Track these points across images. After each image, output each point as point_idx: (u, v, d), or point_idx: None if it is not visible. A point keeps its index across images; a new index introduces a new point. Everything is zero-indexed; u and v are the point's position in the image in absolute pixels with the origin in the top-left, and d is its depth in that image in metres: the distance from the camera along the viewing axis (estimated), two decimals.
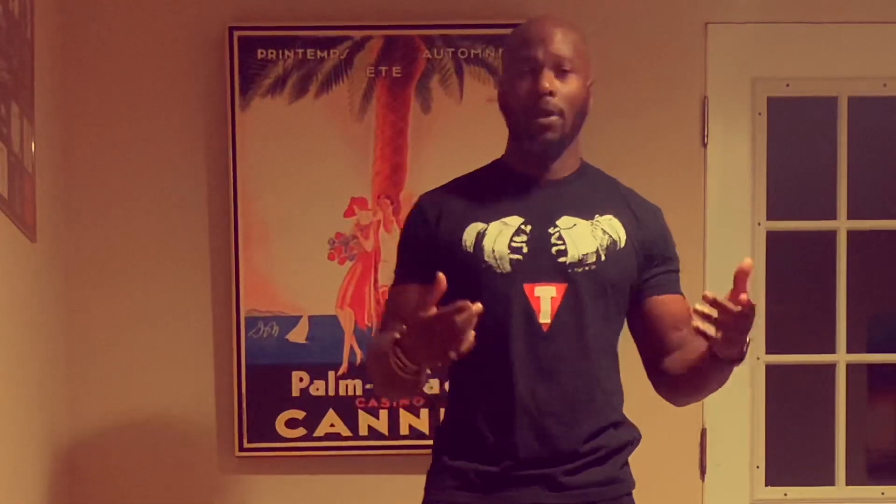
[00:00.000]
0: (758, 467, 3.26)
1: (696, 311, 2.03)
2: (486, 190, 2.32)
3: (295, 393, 3.13)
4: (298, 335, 3.13)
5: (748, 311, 2.02)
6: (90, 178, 3.14)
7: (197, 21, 3.14)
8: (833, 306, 3.28)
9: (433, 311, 2.02)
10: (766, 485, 3.27)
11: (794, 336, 3.33)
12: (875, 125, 3.76)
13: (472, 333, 2.02)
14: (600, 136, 3.19)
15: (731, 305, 2.00)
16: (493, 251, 2.24)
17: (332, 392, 3.13)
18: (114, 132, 3.14)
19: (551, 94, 2.21)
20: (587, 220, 2.29)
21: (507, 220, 2.27)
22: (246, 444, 3.14)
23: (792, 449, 3.57)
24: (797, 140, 3.84)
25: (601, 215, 2.30)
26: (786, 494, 3.28)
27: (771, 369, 3.26)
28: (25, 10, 2.70)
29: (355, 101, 3.13)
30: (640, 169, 3.20)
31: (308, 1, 3.15)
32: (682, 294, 2.38)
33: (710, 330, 2.03)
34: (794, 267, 3.94)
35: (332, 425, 3.14)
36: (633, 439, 2.37)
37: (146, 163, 3.15)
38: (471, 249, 2.25)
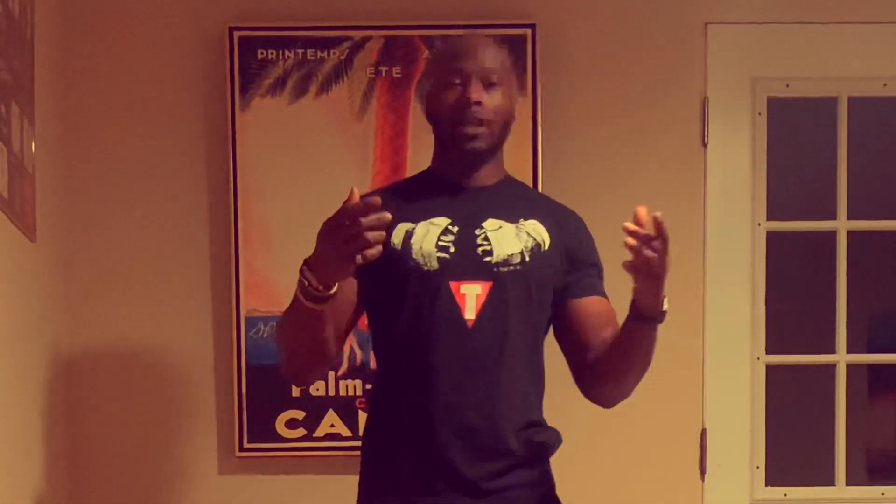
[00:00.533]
0: (758, 467, 3.26)
1: (625, 230, 2.07)
2: (415, 194, 2.39)
3: (295, 393, 3.13)
4: None
5: (660, 229, 2.06)
6: (90, 178, 3.14)
7: (197, 21, 3.14)
8: (833, 306, 3.28)
9: (352, 200, 2.02)
10: (766, 485, 3.26)
11: (794, 336, 3.33)
12: (875, 125, 3.76)
13: (381, 238, 2.00)
14: (600, 136, 3.20)
15: (646, 229, 2.06)
16: (421, 249, 2.29)
17: (332, 392, 3.13)
18: (114, 132, 3.14)
19: (479, 104, 2.28)
20: (512, 223, 2.34)
21: (435, 220, 2.33)
22: (246, 444, 3.14)
23: (792, 449, 3.57)
24: (797, 140, 3.84)
25: (525, 220, 2.36)
26: (786, 494, 3.28)
27: (771, 369, 3.26)
28: (25, 10, 2.70)
29: (355, 102, 3.14)
30: (640, 169, 3.21)
31: (308, 1, 3.16)
32: (605, 297, 2.42)
33: (632, 243, 2.06)
34: (794, 267, 3.95)
35: (332, 425, 3.14)
36: (556, 440, 2.39)
37: (146, 163, 3.15)
38: (399, 248, 2.30)
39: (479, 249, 2.30)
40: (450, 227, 2.32)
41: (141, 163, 3.15)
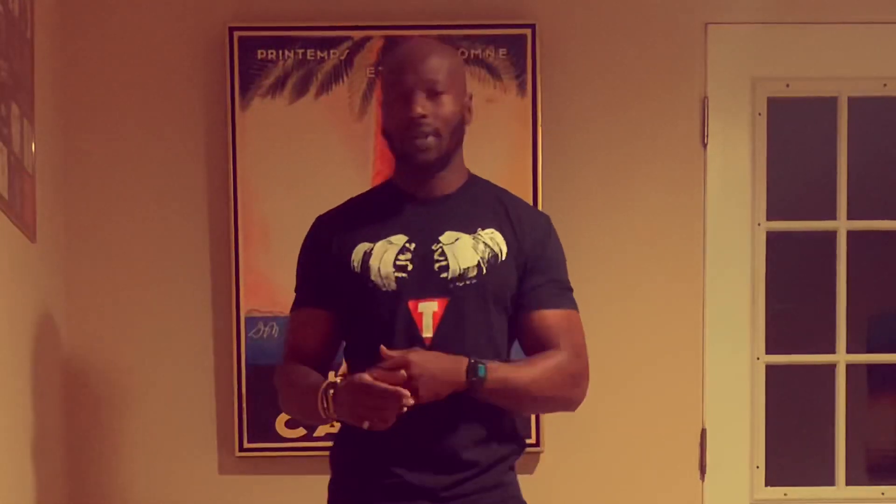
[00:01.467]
0: (758, 467, 3.26)
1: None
2: (374, 210, 2.39)
3: None
4: None
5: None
6: (90, 178, 3.14)
7: (197, 21, 3.14)
8: (833, 306, 3.28)
9: (375, 377, 2.14)
10: (766, 485, 3.27)
11: (794, 336, 3.33)
12: (875, 125, 3.76)
13: (394, 418, 2.15)
14: (600, 135, 3.20)
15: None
16: (379, 270, 2.31)
17: None
18: (114, 132, 3.14)
19: (424, 117, 2.27)
20: (469, 234, 2.34)
21: (393, 238, 2.33)
22: (246, 444, 3.14)
23: (792, 449, 3.56)
24: (797, 140, 3.83)
25: (483, 229, 2.35)
26: (786, 494, 3.28)
27: (771, 369, 3.26)
28: (25, 10, 2.70)
29: (355, 102, 3.14)
30: (640, 169, 3.21)
31: (308, 1, 3.15)
32: (561, 308, 2.37)
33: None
34: (794, 267, 3.94)
35: (332, 425, 3.13)
36: (516, 449, 2.39)
37: (146, 163, 3.15)
38: (358, 269, 2.32)
39: (436, 265, 2.31)
40: (407, 244, 2.32)
41: (141, 163, 3.15)
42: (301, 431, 3.13)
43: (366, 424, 2.16)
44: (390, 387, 2.12)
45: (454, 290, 2.29)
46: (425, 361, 2.18)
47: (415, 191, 2.37)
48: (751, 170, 3.23)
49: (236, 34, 3.10)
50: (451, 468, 2.29)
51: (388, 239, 2.33)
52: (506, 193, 2.44)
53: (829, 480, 3.31)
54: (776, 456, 3.29)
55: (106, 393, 3.15)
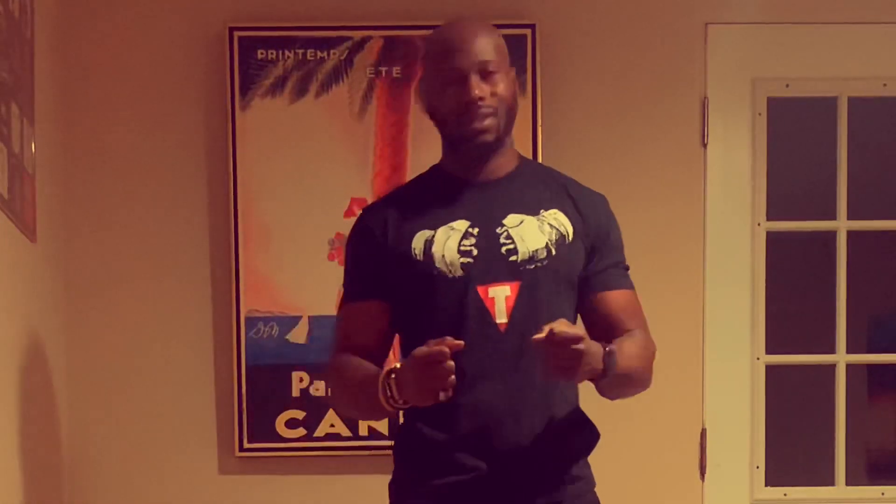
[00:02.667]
0: (758, 467, 3.26)
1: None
2: (428, 197, 2.33)
3: (295, 393, 3.13)
4: (298, 335, 3.13)
5: (554, 338, 2.04)
6: (90, 178, 3.14)
7: (197, 21, 3.14)
8: (833, 306, 3.28)
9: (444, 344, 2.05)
10: (766, 485, 3.26)
11: (794, 336, 3.33)
12: (875, 125, 3.76)
13: (453, 378, 2.08)
14: (600, 136, 3.20)
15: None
16: (444, 256, 2.25)
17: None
18: (114, 132, 3.14)
19: (482, 99, 2.23)
20: (533, 215, 2.29)
21: (454, 224, 2.27)
22: (246, 444, 3.14)
23: (792, 449, 3.58)
24: (797, 140, 3.84)
25: (546, 210, 2.30)
26: (786, 494, 3.28)
27: (771, 369, 3.26)
28: (25, 10, 2.70)
29: (355, 102, 3.14)
30: (640, 169, 3.21)
31: (308, 1, 3.15)
32: (630, 289, 2.37)
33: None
34: (794, 267, 3.95)
35: (332, 425, 3.14)
36: (593, 437, 2.36)
37: (146, 163, 3.15)
38: (421, 257, 2.26)
39: (503, 249, 2.25)
40: (470, 229, 2.26)
41: (141, 163, 3.15)
42: (301, 431, 3.14)
43: (442, 396, 2.07)
44: (447, 343, 2.04)
45: (525, 273, 2.23)
46: (589, 342, 2.10)
47: (469, 175, 2.31)
48: (751, 170, 3.23)
49: (236, 34, 3.10)
50: (524, 461, 2.24)
51: (450, 225, 2.26)
52: (558, 172, 2.41)
53: (829, 480, 3.31)
54: (776, 456, 3.29)
55: (106, 392, 3.15)
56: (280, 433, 3.14)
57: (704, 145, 3.22)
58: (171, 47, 3.14)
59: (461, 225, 2.27)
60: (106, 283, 3.14)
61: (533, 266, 2.25)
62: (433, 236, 2.26)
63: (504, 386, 2.22)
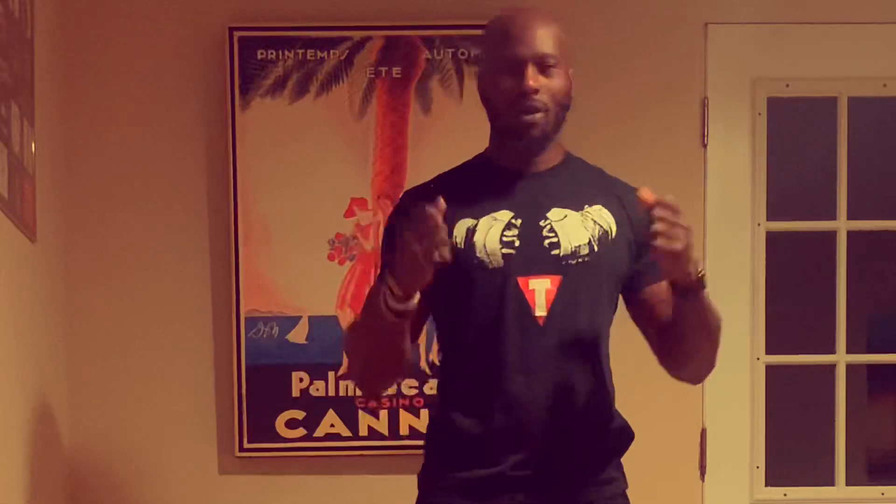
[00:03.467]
0: (758, 467, 3.26)
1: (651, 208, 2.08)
2: (473, 185, 2.30)
3: (295, 393, 3.13)
4: (298, 335, 3.13)
5: (666, 205, 2.07)
6: (90, 178, 3.14)
7: (197, 21, 3.14)
8: (833, 306, 3.28)
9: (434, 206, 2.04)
10: (766, 485, 3.26)
11: (794, 336, 3.33)
12: (875, 125, 3.76)
13: (444, 235, 2.05)
14: (600, 136, 3.19)
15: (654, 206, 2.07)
16: (485, 246, 2.22)
17: (332, 392, 3.13)
18: (114, 132, 3.14)
19: (536, 91, 2.20)
20: (577, 210, 2.27)
21: (497, 214, 2.25)
22: (246, 444, 3.14)
23: (792, 449, 3.57)
24: (797, 140, 3.84)
25: (590, 206, 2.28)
26: (786, 494, 3.28)
27: (771, 369, 3.26)
28: (25, 10, 2.70)
29: (355, 102, 3.14)
30: (640, 169, 3.19)
31: (308, 1, 3.15)
32: None
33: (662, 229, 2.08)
34: (794, 267, 3.94)
35: (332, 425, 3.14)
36: (628, 438, 2.34)
37: (146, 163, 3.15)
38: (462, 245, 2.23)
39: (546, 242, 2.22)
40: (513, 220, 2.24)
41: (141, 163, 3.15)
42: (301, 431, 3.14)
43: (436, 256, 2.03)
44: (433, 204, 2.02)
45: (567, 268, 2.21)
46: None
47: (515, 166, 2.28)
48: (751, 170, 3.23)
49: (236, 34, 3.10)
50: (558, 458, 2.22)
51: (493, 215, 2.24)
52: (602, 170, 2.39)
53: (829, 480, 3.31)
54: (776, 456, 3.29)
55: (106, 392, 3.15)
56: (280, 433, 3.14)
57: (704, 145, 3.22)
58: (171, 47, 3.14)
59: (504, 216, 2.24)
60: (106, 283, 3.14)
61: (575, 261, 2.22)
62: (475, 225, 2.24)
63: (540, 380, 2.20)
